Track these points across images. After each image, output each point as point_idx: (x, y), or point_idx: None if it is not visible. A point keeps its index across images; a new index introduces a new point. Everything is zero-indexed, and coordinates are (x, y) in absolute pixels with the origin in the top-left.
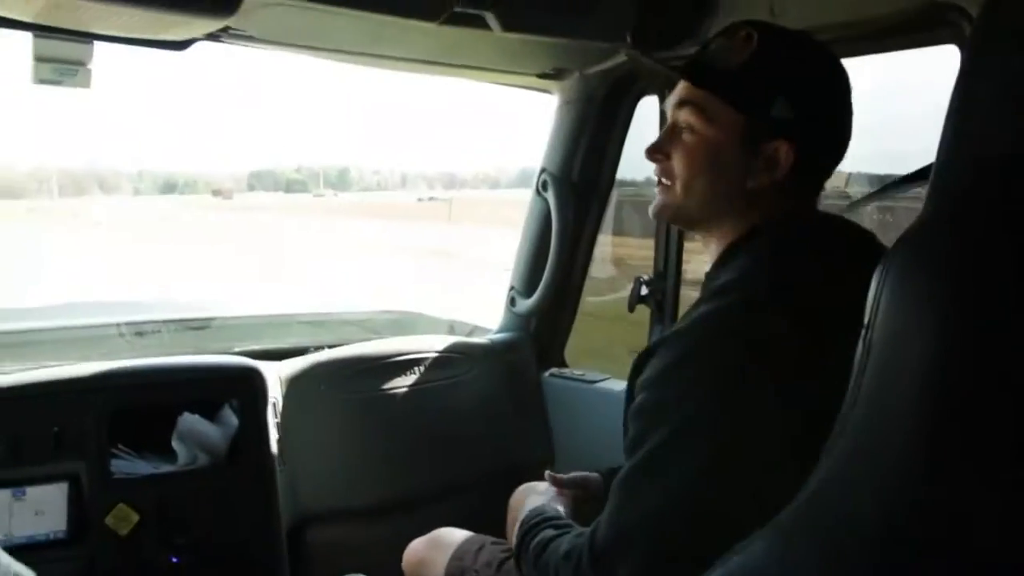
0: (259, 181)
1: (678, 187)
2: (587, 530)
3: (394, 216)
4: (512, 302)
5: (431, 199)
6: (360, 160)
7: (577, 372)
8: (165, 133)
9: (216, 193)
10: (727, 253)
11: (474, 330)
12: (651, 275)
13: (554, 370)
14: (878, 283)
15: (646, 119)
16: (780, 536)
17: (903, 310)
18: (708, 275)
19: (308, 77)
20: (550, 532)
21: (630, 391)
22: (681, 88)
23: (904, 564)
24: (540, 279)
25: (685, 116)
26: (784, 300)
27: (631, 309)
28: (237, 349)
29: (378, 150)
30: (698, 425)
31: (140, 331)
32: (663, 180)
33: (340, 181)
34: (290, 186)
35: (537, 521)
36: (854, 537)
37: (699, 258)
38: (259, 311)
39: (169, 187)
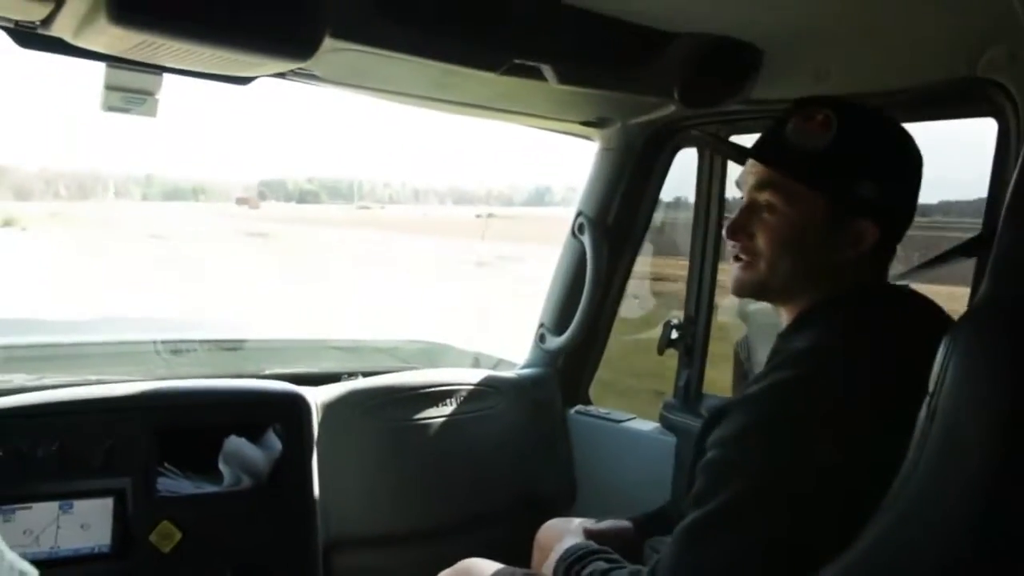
0: (270, 190)
1: (762, 265)
2: (639, 568)
3: (457, 233)
4: (541, 339)
5: (490, 216)
6: (371, 173)
7: (603, 411)
8: (175, 137)
9: (241, 202)
10: (802, 319)
11: (499, 363)
12: (681, 319)
13: (579, 407)
14: (944, 355)
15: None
16: None
17: (969, 383)
18: (781, 337)
19: (318, 91)
20: (602, 564)
21: (700, 446)
22: (760, 169)
23: None
24: (570, 318)
25: (767, 197)
26: (858, 373)
27: (660, 352)
28: (268, 372)
29: (387, 164)
30: (769, 490)
31: (175, 349)
32: (743, 257)
33: (354, 193)
34: (303, 197)
35: (584, 553)
36: None
37: (726, 304)
38: (292, 335)
39: (183, 193)
